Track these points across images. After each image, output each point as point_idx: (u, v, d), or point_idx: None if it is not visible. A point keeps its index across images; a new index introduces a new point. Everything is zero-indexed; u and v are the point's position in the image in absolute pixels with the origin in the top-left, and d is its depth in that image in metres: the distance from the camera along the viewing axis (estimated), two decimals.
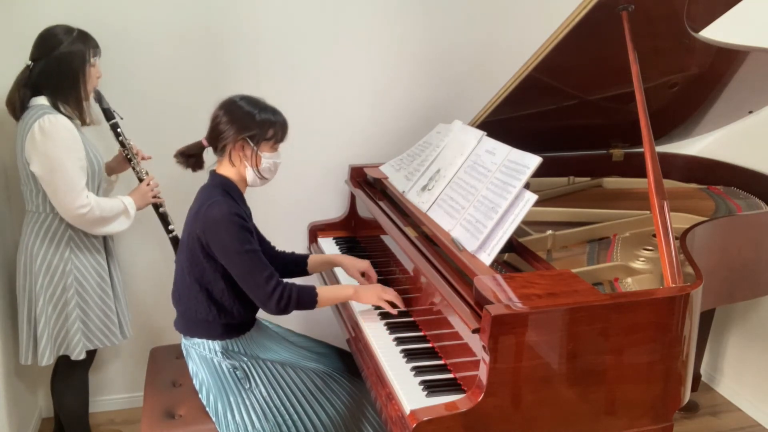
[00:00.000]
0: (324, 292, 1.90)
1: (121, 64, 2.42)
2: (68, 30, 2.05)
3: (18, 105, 2.05)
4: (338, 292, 1.96)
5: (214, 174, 1.93)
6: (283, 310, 1.83)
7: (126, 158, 2.26)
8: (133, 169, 2.26)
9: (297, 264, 2.16)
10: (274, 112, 1.90)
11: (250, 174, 1.90)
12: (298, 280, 1.94)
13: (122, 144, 2.23)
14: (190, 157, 1.95)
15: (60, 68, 2.03)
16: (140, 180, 2.26)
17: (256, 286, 1.80)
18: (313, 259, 2.18)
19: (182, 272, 1.91)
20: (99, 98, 2.20)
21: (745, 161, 2.67)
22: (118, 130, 2.22)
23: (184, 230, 1.91)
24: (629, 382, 1.53)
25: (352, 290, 1.95)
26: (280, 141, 1.93)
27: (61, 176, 1.99)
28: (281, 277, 1.85)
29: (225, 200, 1.82)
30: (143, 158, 2.31)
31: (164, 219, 2.32)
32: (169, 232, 2.32)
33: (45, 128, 1.96)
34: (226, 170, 1.90)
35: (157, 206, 2.30)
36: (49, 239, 2.10)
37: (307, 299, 1.86)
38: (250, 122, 1.85)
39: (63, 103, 2.06)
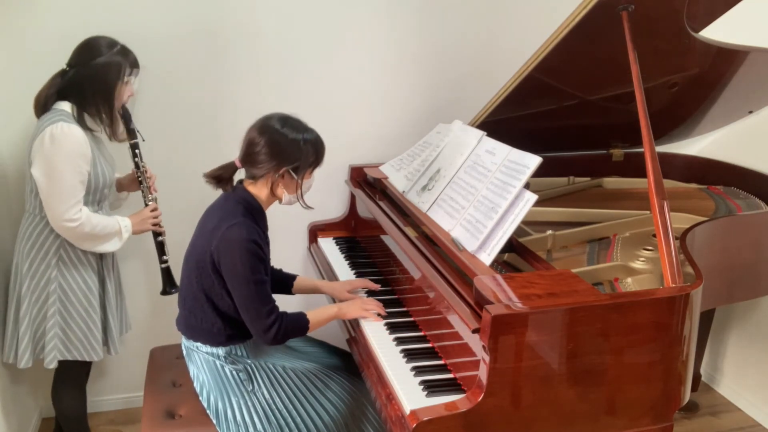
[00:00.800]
0: (313, 317, 1.91)
1: None
2: (112, 43, 2.04)
3: (42, 104, 2.03)
4: (324, 313, 1.96)
5: (241, 188, 1.89)
6: (278, 342, 1.83)
7: (137, 180, 2.25)
8: (142, 192, 2.25)
9: (284, 284, 2.16)
10: (312, 132, 1.87)
11: (287, 198, 1.89)
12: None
13: (137, 165, 2.22)
14: (222, 180, 1.90)
15: (93, 79, 2.01)
16: (146, 205, 2.25)
17: (257, 317, 1.79)
18: (299, 282, 2.18)
19: (189, 280, 1.89)
20: (126, 117, 2.17)
21: (745, 161, 2.67)
22: (137, 151, 2.21)
23: (198, 239, 1.88)
24: (629, 382, 1.53)
25: (336, 308, 1.98)
26: (319, 165, 1.91)
27: (58, 185, 1.96)
28: None
29: (245, 222, 1.79)
30: (153, 186, 2.28)
31: (161, 248, 2.29)
32: (162, 262, 2.29)
33: (55, 135, 1.94)
34: (257, 190, 1.87)
35: (156, 234, 2.28)
36: (39, 245, 2.08)
37: (299, 328, 1.88)
38: (293, 152, 1.82)
39: (88, 114, 2.04)
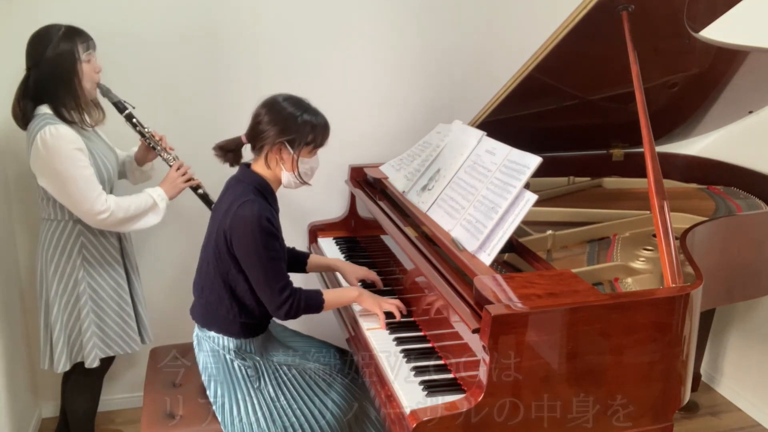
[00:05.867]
0: (329, 296, 1.91)
1: (121, 65, 2.42)
2: (56, 28, 1.96)
3: (21, 117, 1.99)
4: (343, 294, 1.98)
5: (247, 170, 1.89)
6: (291, 317, 1.84)
7: (150, 147, 2.21)
8: (160, 156, 2.22)
9: (297, 261, 2.17)
10: (316, 114, 1.86)
11: (285, 177, 1.87)
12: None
13: (141, 134, 2.18)
14: (229, 152, 1.91)
15: (52, 73, 1.95)
16: (169, 166, 2.21)
17: (271, 293, 1.80)
18: (313, 260, 2.20)
19: (207, 266, 1.89)
20: (106, 92, 2.11)
21: (745, 161, 2.67)
22: (134, 120, 2.17)
23: (212, 224, 1.89)
24: (629, 382, 1.53)
25: (356, 293, 1.97)
26: (320, 146, 1.89)
27: (72, 186, 1.94)
28: None
29: (257, 200, 1.79)
30: (166, 146, 2.23)
31: (206, 200, 2.25)
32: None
33: (47, 141, 1.90)
34: (261, 169, 1.87)
35: (195, 188, 2.23)
36: (61, 248, 2.07)
37: (314, 305, 1.88)
38: (291, 125, 1.81)
39: (64, 109, 1.98)
